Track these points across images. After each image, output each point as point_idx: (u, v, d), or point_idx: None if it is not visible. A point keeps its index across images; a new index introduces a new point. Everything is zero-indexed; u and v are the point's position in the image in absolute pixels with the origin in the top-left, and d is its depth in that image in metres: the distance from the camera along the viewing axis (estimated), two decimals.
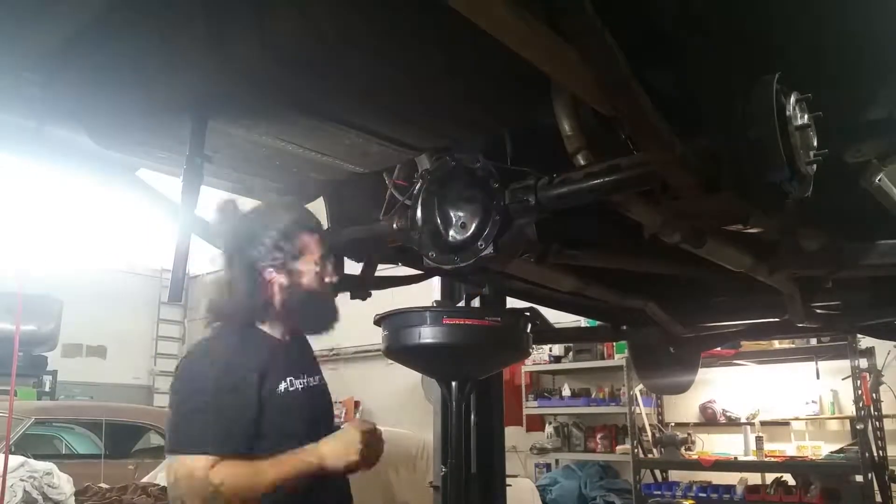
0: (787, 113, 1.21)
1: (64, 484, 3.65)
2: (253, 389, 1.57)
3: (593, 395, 6.69)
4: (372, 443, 1.64)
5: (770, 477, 5.56)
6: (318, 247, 1.67)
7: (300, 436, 1.62)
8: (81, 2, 1.22)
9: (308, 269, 1.65)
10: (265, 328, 1.69)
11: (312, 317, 1.73)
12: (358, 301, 2.19)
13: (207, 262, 1.74)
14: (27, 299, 6.75)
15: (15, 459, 3.54)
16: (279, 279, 1.64)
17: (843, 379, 5.25)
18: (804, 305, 2.20)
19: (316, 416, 1.73)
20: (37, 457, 4.02)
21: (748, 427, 5.79)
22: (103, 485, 4.08)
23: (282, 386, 1.63)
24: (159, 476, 4.31)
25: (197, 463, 1.48)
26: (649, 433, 6.05)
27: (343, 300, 2.21)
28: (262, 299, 1.64)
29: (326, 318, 1.74)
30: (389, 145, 1.52)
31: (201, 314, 1.73)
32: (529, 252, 1.86)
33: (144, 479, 4.34)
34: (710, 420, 6.13)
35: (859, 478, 4.91)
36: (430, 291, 3.02)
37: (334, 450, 1.59)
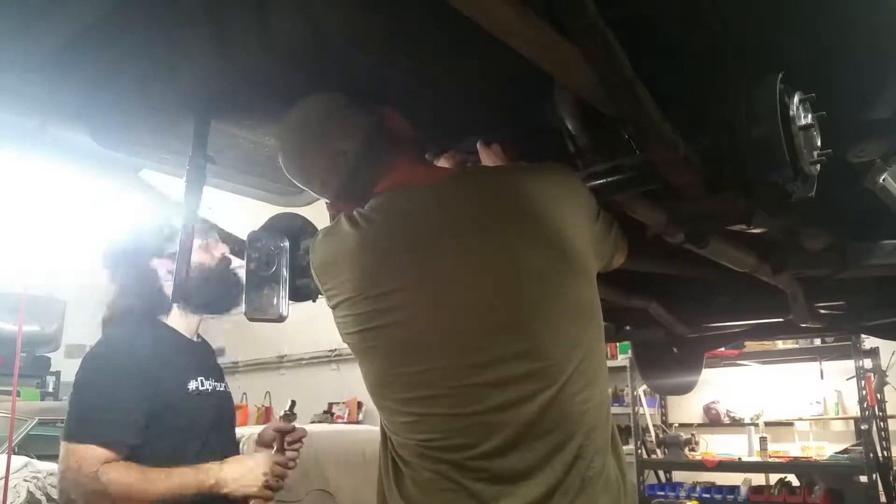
0: (791, 113, 1.21)
1: None
2: (158, 385, 1.54)
3: None
4: (277, 473, 1.60)
5: (774, 477, 5.55)
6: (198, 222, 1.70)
7: (204, 439, 1.60)
8: (85, 2, 1.22)
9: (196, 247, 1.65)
10: (172, 324, 1.68)
11: (213, 295, 1.70)
12: None
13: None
14: (30, 300, 6.76)
15: (18, 460, 3.55)
16: (165, 265, 1.64)
17: (847, 379, 5.24)
18: (808, 305, 2.19)
19: (222, 422, 1.71)
20: (40, 457, 4.03)
21: (752, 427, 5.79)
22: None
23: (192, 385, 1.62)
24: None
25: (87, 453, 1.44)
26: (653, 434, 6.04)
27: None
28: (154, 287, 1.64)
29: (228, 295, 1.70)
30: None
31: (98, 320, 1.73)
32: None
33: None
34: (713, 421, 6.12)
35: (864, 478, 4.90)
36: None
37: (235, 475, 1.53)
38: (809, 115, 1.24)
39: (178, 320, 1.71)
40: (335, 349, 8.62)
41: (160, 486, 1.45)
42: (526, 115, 1.51)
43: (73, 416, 1.53)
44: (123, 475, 1.44)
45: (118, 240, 1.65)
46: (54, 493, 3.54)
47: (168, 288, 1.65)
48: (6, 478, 3.09)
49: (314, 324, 7.19)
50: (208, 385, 1.67)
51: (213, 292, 1.68)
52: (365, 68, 1.24)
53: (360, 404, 8.39)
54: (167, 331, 1.68)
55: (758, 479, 5.65)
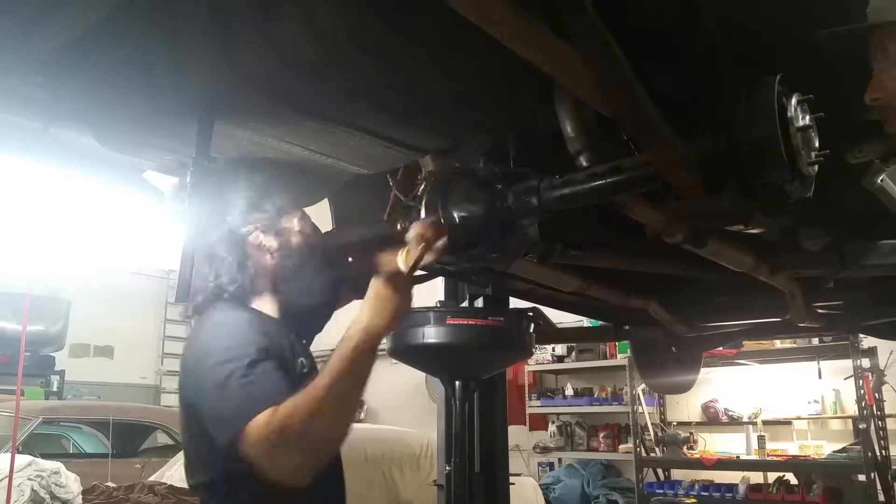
0: (789, 114, 1.22)
1: (71, 483, 3.67)
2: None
3: (596, 395, 6.70)
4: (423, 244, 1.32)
5: (772, 476, 5.56)
6: (302, 221, 1.55)
7: None
8: (88, 3, 1.23)
9: (295, 228, 1.52)
10: (262, 308, 1.46)
11: (313, 284, 1.50)
12: None
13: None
14: (35, 300, 6.77)
15: (22, 459, 3.56)
16: (268, 242, 1.48)
17: (845, 378, 5.25)
18: (806, 305, 2.20)
19: None
20: (44, 456, 4.04)
21: (750, 426, 5.80)
22: (110, 484, 4.09)
23: (298, 364, 1.44)
24: (166, 475, 4.32)
25: (259, 420, 1.18)
26: (652, 432, 6.06)
27: None
28: (252, 268, 1.46)
29: (327, 288, 1.52)
30: (393, 147, 1.53)
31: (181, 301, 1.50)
32: (532, 252, 1.87)
33: (151, 478, 4.36)
34: (712, 419, 6.13)
35: (862, 477, 4.91)
36: (433, 292, 3.03)
37: (375, 301, 1.28)
38: (808, 116, 1.25)
39: (266, 305, 1.50)
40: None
41: (325, 380, 1.20)
42: (525, 116, 1.52)
43: (224, 405, 1.24)
44: (290, 404, 1.19)
45: (213, 215, 1.44)
46: (58, 492, 3.55)
47: (266, 267, 1.49)
48: (10, 476, 3.10)
49: None
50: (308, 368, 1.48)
51: (308, 280, 1.50)
52: (364, 70, 1.25)
53: (361, 403, 8.40)
54: (257, 315, 1.46)
55: (756, 477, 5.65)
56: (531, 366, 6.92)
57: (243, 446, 1.19)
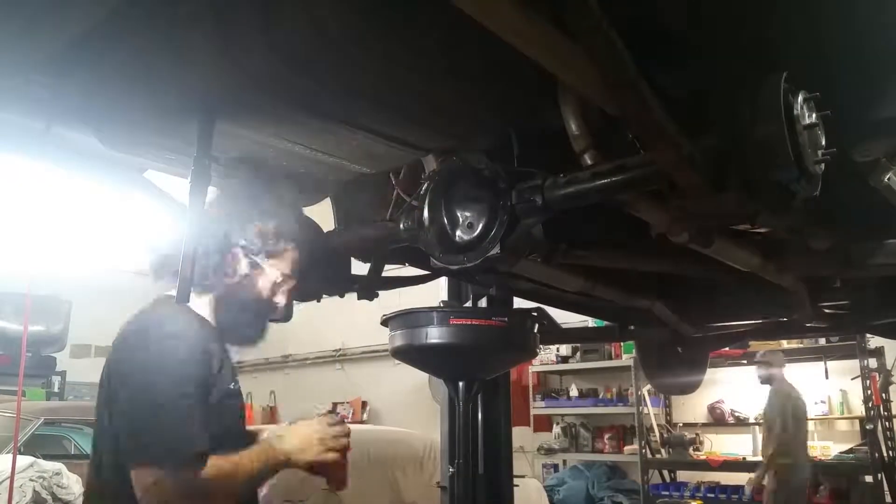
0: (795, 112, 1.20)
1: (73, 484, 3.68)
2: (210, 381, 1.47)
3: (601, 396, 6.68)
4: (336, 434, 1.56)
5: None
6: (290, 262, 1.62)
7: (238, 438, 1.55)
8: (90, 3, 1.22)
9: (270, 275, 1.59)
10: (200, 309, 1.56)
11: (240, 324, 1.60)
12: (365, 301, 2.20)
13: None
14: (36, 300, 6.78)
15: (24, 460, 3.56)
16: (242, 264, 1.56)
17: (852, 379, 5.23)
18: (812, 305, 2.19)
19: (242, 424, 1.65)
20: (46, 457, 4.05)
21: (757, 427, 5.78)
22: None
23: (232, 384, 1.55)
24: None
25: (189, 466, 1.34)
26: (657, 433, 6.04)
27: (350, 300, 2.20)
28: (218, 270, 1.54)
29: (251, 335, 1.62)
30: (396, 146, 1.52)
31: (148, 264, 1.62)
32: (536, 252, 1.85)
33: None
34: (718, 420, 6.12)
35: (869, 478, 4.89)
36: (436, 292, 3.02)
37: (298, 441, 1.52)
38: (814, 114, 1.24)
39: (205, 308, 1.60)
40: (339, 349, 8.64)
41: (247, 469, 1.42)
42: (529, 114, 1.51)
43: (157, 429, 1.38)
44: (218, 466, 1.38)
45: (213, 220, 1.52)
46: (60, 493, 3.56)
47: (234, 280, 1.58)
48: (12, 477, 3.10)
49: (319, 324, 7.22)
50: (236, 382, 1.60)
51: (244, 322, 1.62)
52: (366, 67, 1.24)
53: (364, 404, 8.40)
54: (198, 318, 1.55)
55: None
56: (535, 366, 6.91)
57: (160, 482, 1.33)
